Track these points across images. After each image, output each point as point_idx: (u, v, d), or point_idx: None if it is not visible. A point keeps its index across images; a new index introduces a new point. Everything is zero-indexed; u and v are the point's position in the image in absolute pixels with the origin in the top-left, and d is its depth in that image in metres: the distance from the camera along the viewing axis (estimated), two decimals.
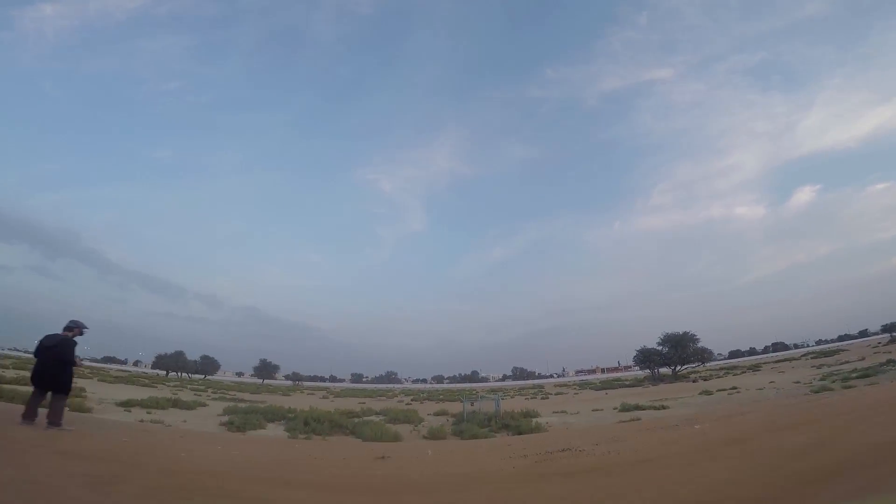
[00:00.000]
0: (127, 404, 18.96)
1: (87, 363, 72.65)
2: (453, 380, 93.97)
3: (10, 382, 19.63)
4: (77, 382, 26.23)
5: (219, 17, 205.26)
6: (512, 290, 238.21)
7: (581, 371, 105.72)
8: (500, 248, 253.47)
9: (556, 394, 41.77)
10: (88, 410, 15.58)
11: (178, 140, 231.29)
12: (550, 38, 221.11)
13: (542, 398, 37.15)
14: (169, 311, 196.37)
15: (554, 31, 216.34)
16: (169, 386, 37.92)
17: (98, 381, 34.17)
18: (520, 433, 14.55)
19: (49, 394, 7.77)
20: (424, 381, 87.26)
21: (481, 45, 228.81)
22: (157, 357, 69.13)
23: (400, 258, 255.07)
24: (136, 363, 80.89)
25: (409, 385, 78.16)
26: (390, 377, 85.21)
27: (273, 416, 18.59)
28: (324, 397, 39.13)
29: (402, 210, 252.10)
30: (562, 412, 22.14)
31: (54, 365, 7.70)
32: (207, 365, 69.73)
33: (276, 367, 71.72)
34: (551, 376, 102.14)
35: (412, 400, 37.84)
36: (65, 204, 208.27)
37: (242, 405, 22.29)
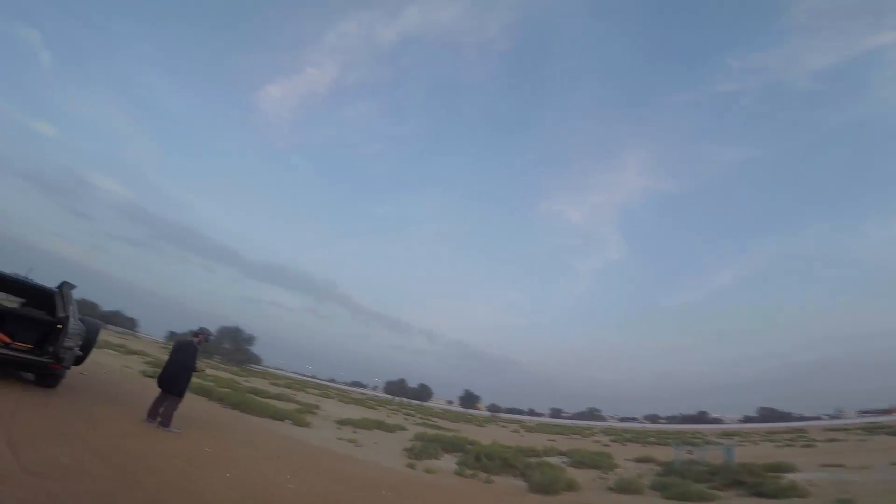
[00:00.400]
0: (343, 423, 21.28)
1: (338, 386, 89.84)
2: (673, 420, 78.89)
3: (271, 397, 24.60)
4: (319, 401, 31.82)
5: (391, 79, 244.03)
6: (751, 318, 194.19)
7: (867, 412, 75.58)
8: (728, 269, 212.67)
9: (828, 441, 29.90)
10: (307, 425, 17.82)
11: (392, 196, 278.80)
12: (717, 27, 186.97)
13: (804, 446, 27.01)
14: (399, 344, 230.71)
15: (718, 18, 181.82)
16: (388, 409, 42.36)
17: (338, 401, 40.64)
18: (760, 495, 9.96)
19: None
20: (634, 419, 75.83)
21: (639, 51, 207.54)
22: (386, 383, 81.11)
23: (600, 290, 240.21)
24: (374, 388, 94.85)
25: (613, 423, 69.11)
26: (592, 414, 77.41)
27: (453, 446, 18.04)
28: (515, 431, 37.42)
29: (595, 239, 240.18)
30: (836, 466, 15.07)
31: (175, 368, 7.81)
32: (423, 392, 77.13)
33: (477, 398, 74.50)
34: (818, 418, 75.94)
35: (612, 440, 32.66)
36: (324, 259, 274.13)
37: (431, 433, 22.54)
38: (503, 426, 43.63)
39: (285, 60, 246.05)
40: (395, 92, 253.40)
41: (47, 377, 7.57)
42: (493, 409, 70.54)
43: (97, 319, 8.64)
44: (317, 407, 25.94)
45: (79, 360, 7.79)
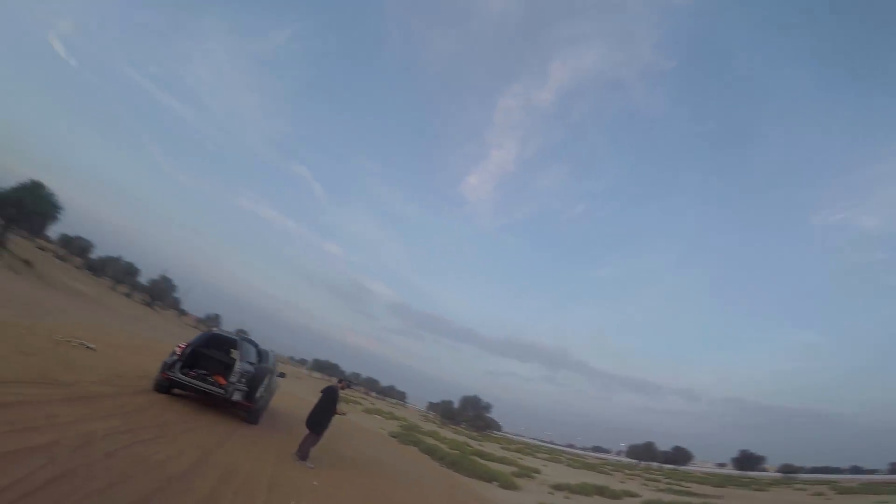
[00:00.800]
0: (558, 487, 19.97)
1: (575, 451, 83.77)
2: None
3: (494, 460, 25.11)
4: (544, 465, 30.56)
5: (568, 137, 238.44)
6: None
7: None
8: None
9: None
10: (515, 487, 17.43)
11: (611, 254, 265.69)
12: None
13: None
14: (647, 406, 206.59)
15: None
16: (625, 474, 37.21)
17: (566, 465, 38.02)
18: None
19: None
20: None
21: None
22: (629, 447, 72.36)
23: None
24: (618, 453, 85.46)
25: None
26: None
27: None
28: (817, 494, 26.96)
29: None
30: None
31: (318, 408, 8.44)
32: (678, 455, 65.43)
33: (760, 459, 57.84)
34: None
35: None
36: (553, 328, 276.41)
37: (668, 500, 18.86)
38: (798, 489, 32.20)
39: (473, 150, 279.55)
40: (578, 148, 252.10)
41: (248, 414, 9.77)
42: (787, 469, 52.74)
43: (268, 367, 10.22)
44: (537, 471, 25.15)
45: (248, 396, 9.43)
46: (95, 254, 59.56)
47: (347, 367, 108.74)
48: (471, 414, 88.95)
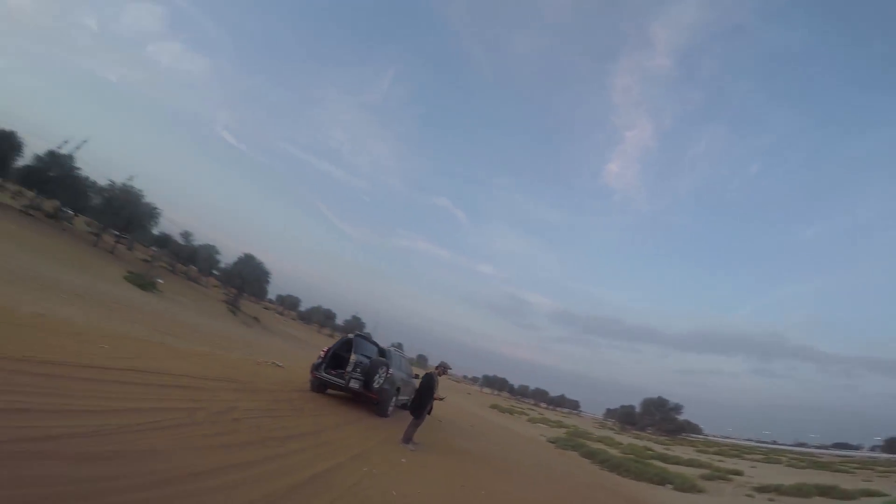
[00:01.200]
0: (762, 489, 16.40)
1: (803, 449, 65.83)
2: None
3: (681, 463, 21.95)
4: (753, 467, 25.14)
5: (708, 95, 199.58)
6: None
7: None
8: None
9: None
10: (695, 490, 14.91)
11: (811, 211, 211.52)
12: None
13: None
14: None
15: None
16: (877, 472, 28.05)
17: (786, 465, 30.59)
18: None
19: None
20: None
21: None
22: (885, 441, 55.17)
23: None
24: (871, 448, 65.28)
25: None
26: None
27: None
28: None
29: None
30: None
31: (417, 394, 8.53)
32: None
33: None
34: None
35: None
36: (761, 311, 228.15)
37: None
38: None
39: (604, 138, 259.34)
40: (726, 105, 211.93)
41: (377, 406, 10.30)
42: None
43: (383, 361, 10.46)
44: (738, 473, 21.14)
45: (365, 385, 10.02)
46: (303, 306, 74.70)
47: (515, 381, 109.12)
48: (657, 417, 79.59)
